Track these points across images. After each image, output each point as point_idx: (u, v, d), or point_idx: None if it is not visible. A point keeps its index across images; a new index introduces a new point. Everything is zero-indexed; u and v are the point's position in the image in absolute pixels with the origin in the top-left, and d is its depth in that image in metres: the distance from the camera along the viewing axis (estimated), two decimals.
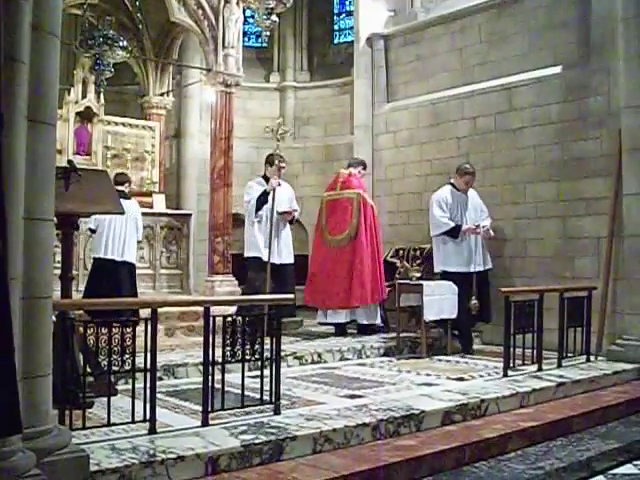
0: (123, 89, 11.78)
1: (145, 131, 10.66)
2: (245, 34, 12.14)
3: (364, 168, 8.86)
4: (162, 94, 11.20)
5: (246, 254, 8.49)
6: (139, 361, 4.09)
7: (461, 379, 6.17)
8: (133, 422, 4.07)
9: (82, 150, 9.74)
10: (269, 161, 8.53)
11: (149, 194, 10.14)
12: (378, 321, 8.39)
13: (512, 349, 6.29)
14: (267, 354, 4.65)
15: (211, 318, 4.33)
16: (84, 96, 9.73)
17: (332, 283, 8.15)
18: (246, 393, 4.52)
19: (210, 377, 4.33)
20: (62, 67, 3.55)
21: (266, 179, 8.44)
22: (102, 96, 9.90)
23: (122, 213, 5.29)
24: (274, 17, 8.40)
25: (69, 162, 4.73)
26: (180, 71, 11.93)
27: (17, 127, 2.94)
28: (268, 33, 8.79)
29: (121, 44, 9.11)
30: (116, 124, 10.29)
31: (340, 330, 8.35)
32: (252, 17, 10.55)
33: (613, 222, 7.50)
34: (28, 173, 3.03)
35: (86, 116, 9.84)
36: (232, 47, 9.38)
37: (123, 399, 4.61)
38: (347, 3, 13.29)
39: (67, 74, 10.04)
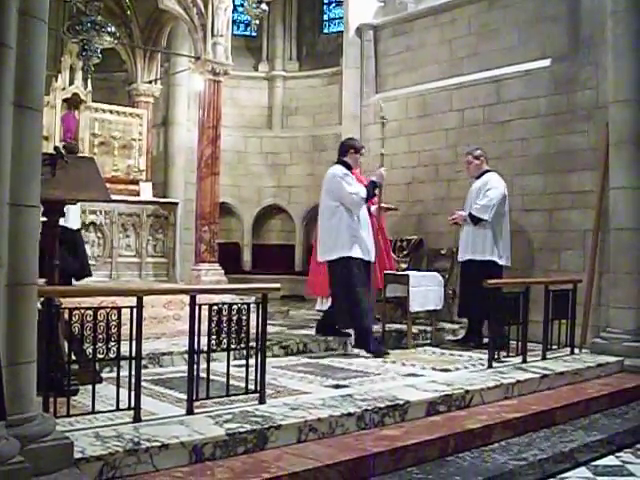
0: (111, 76, 11.74)
1: (132, 119, 10.59)
2: (234, 22, 12.12)
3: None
4: (150, 82, 11.14)
5: (337, 255, 6.88)
6: (124, 349, 4.07)
7: (446, 370, 6.18)
8: (118, 410, 4.06)
9: (69, 137, 9.67)
10: (354, 146, 7.23)
11: (136, 182, 10.10)
12: None
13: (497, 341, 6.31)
14: (252, 343, 4.65)
15: (197, 307, 4.33)
16: (71, 83, 9.66)
17: (316, 270, 8.13)
18: (231, 382, 4.51)
19: (195, 366, 4.33)
20: (49, 53, 3.53)
21: (347, 166, 7.13)
22: (89, 83, 9.83)
23: (109, 200, 5.28)
24: (264, 6, 8.36)
25: (55, 148, 4.71)
26: (168, 59, 11.88)
27: (3, 112, 2.92)
28: (257, 22, 8.75)
29: (109, 30, 9.04)
30: (103, 111, 10.21)
31: None
32: (241, 5, 10.50)
33: (599, 215, 7.54)
34: (14, 159, 3.01)
35: (73, 103, 9.76)
36: (221, 35, 9.32)
37: (108, 387, 4.60)
38: None
39: (54, 60, 9.96)
